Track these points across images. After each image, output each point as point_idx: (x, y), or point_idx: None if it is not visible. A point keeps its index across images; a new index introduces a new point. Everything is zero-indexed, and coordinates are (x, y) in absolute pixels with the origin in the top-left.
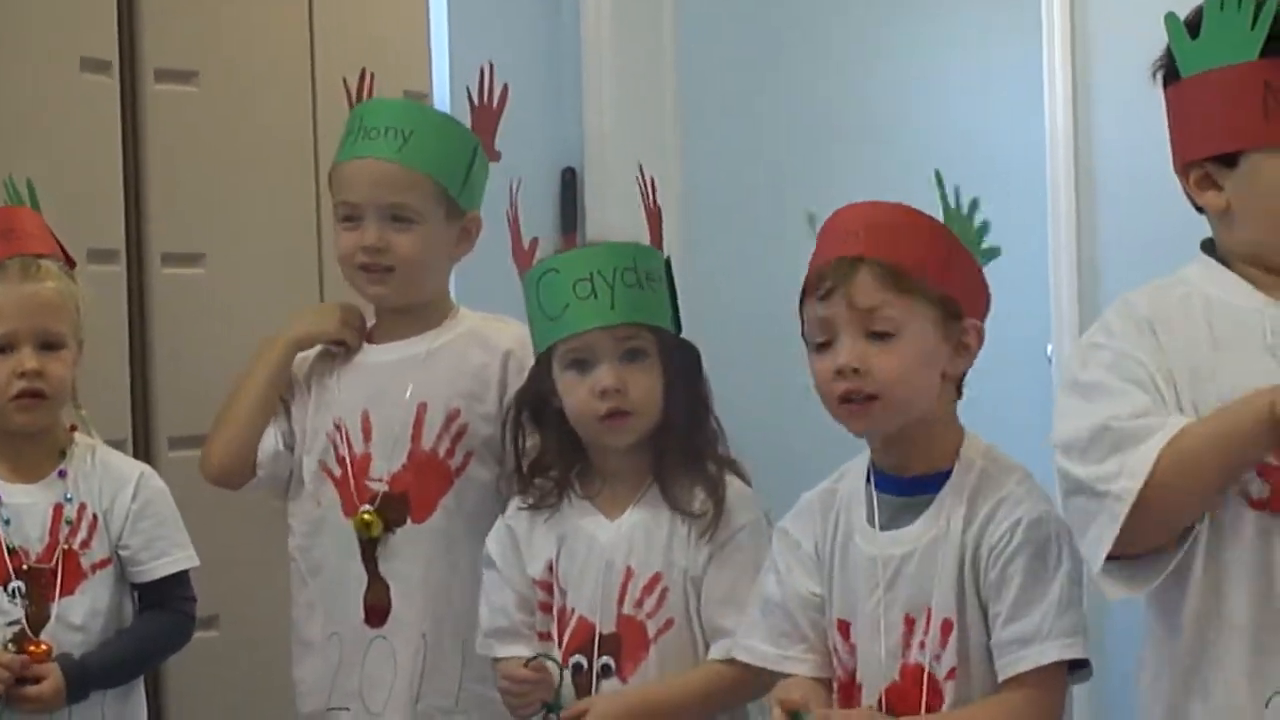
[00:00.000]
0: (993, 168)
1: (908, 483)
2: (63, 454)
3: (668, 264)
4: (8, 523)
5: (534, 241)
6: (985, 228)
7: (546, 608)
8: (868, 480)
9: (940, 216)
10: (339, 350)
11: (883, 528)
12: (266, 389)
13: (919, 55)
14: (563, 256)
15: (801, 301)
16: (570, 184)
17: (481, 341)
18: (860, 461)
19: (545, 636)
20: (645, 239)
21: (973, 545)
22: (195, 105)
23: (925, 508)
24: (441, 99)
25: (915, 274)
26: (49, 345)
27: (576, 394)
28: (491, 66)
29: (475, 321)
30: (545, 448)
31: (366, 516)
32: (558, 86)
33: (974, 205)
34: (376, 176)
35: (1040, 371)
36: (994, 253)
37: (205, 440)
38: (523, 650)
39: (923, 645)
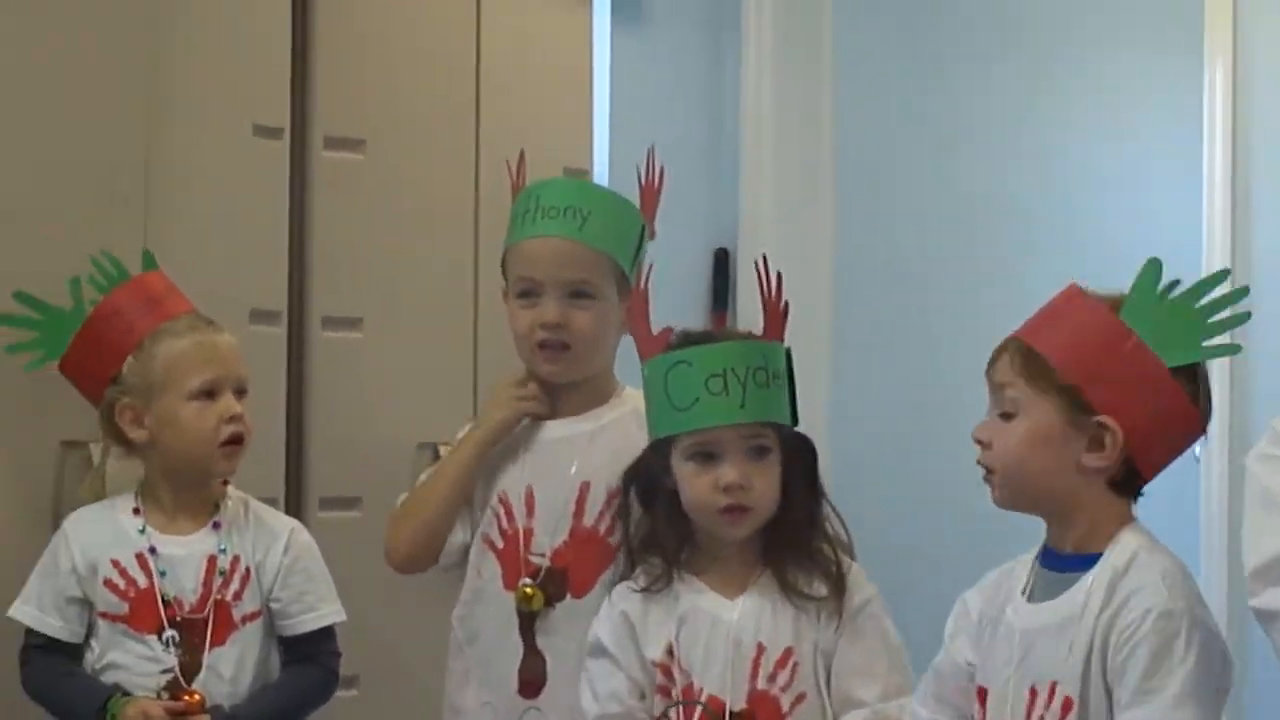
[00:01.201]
0: (1144, 249)
1: (1064, 559)
2: (216, 506)
3: (788, 356)
4: (164, 574)
5: (666, 330)
6: (1207, 310)
7: (664, 691)
8: (1039, 555)
9: (1131, 303)
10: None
11: (1034, 600)
12: (457, 487)
13: (1078, 144)
14: (696, 350)
15: None
16: (723, 265)
17: (643, 421)
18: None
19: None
20: (797, 323)
21: (1104, 628)
22: (361, 172)
23: (1072, 585)
24: (601, 176)
25: (1051, 361)
26: (241, 392)
27: (697, 486)
28: (653, 149)
29: (638, 400)
30: (655, 528)
31: (529, 590)
32: (715, 168)
33: (1197, 286)
34: (559, 254)
35: (1189, 474)
36: (1203, 353)
37: (392, 527)
38: None
39: (1041, 719)
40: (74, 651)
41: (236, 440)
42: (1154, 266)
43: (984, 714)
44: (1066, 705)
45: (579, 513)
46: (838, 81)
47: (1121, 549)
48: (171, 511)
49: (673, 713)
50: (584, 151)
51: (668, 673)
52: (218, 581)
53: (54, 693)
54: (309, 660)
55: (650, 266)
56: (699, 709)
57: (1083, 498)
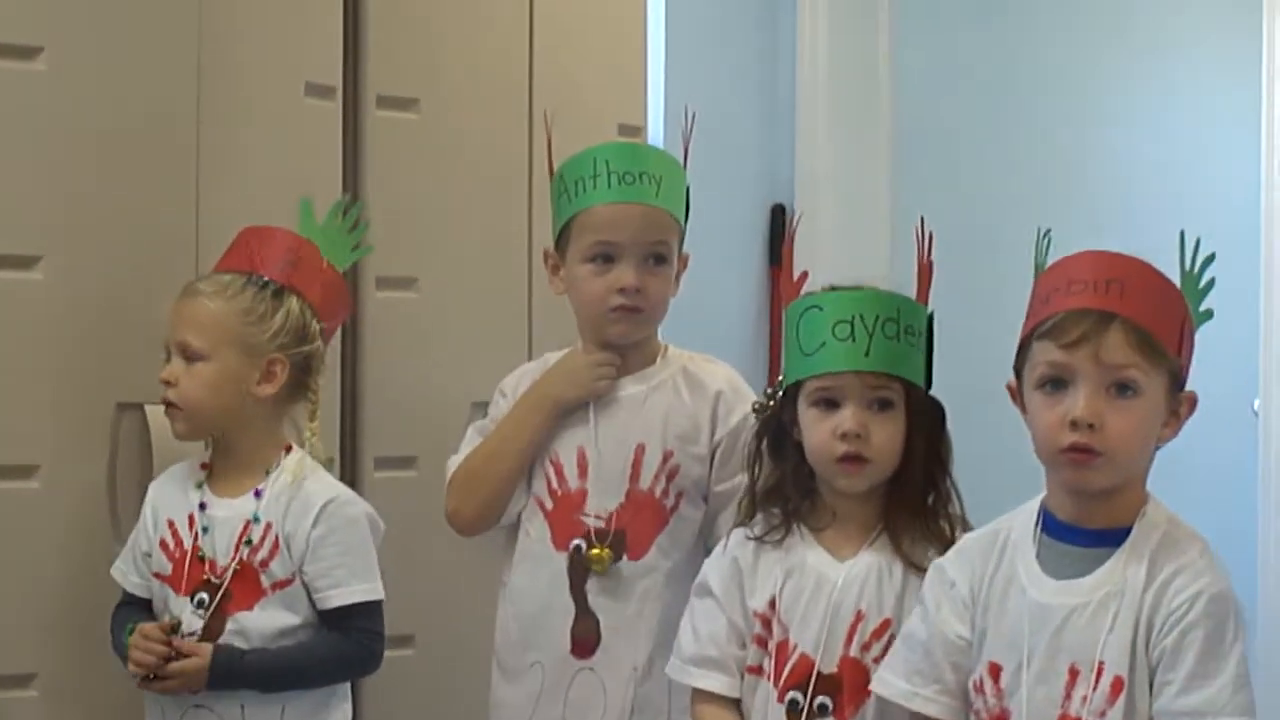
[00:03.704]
0: (1205, 219)
1: (1086, 534)
2: (268, 473)
3: (930, 320)
4: (205, 530)
5: (804, 275)
6: (1210, 286)
7: (761, 641)
8: (1037, 525)
9: (1176, 278)
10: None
11: (1052, 575)
12: (526, 455)
13: (1136, 99)
14: (829, 295)
15: (1029, 337)
16: (779, 220)
17: (694, 383)
18: (1029, 506)
19: (754, 670)
20: (858, 279)
21: (1150, 607)
22: (414, 131)
23: (1100, 561)
24: (656, 133)
25: (1162, 340)
26: (188, 357)
27: (817, 432)
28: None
29: (685, 361)
30: (780, 479)
31: (598, 551)
32: (771, 123)
33: (1207, 262)
34: (643, 220)
35: (1247, 427)
36: (1208, 315)
37: (457, 493)
38: (723, 679)
39: (1085, 699)
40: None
41: (164, 402)
42: (1183, 240)
43: (1000, 690)
44: (1117, 686)
45: (635, 476)
46: (895, 34)
47: (1150, 522)
48: (223, 474)
49: (766, 664)
50: (638, 109)
51: (767, 624)
52: (245, 549)
53: (114, 640)
54: (342, 634)
55: (798, 217)
56: (789, 668)
57: (1142, 473)
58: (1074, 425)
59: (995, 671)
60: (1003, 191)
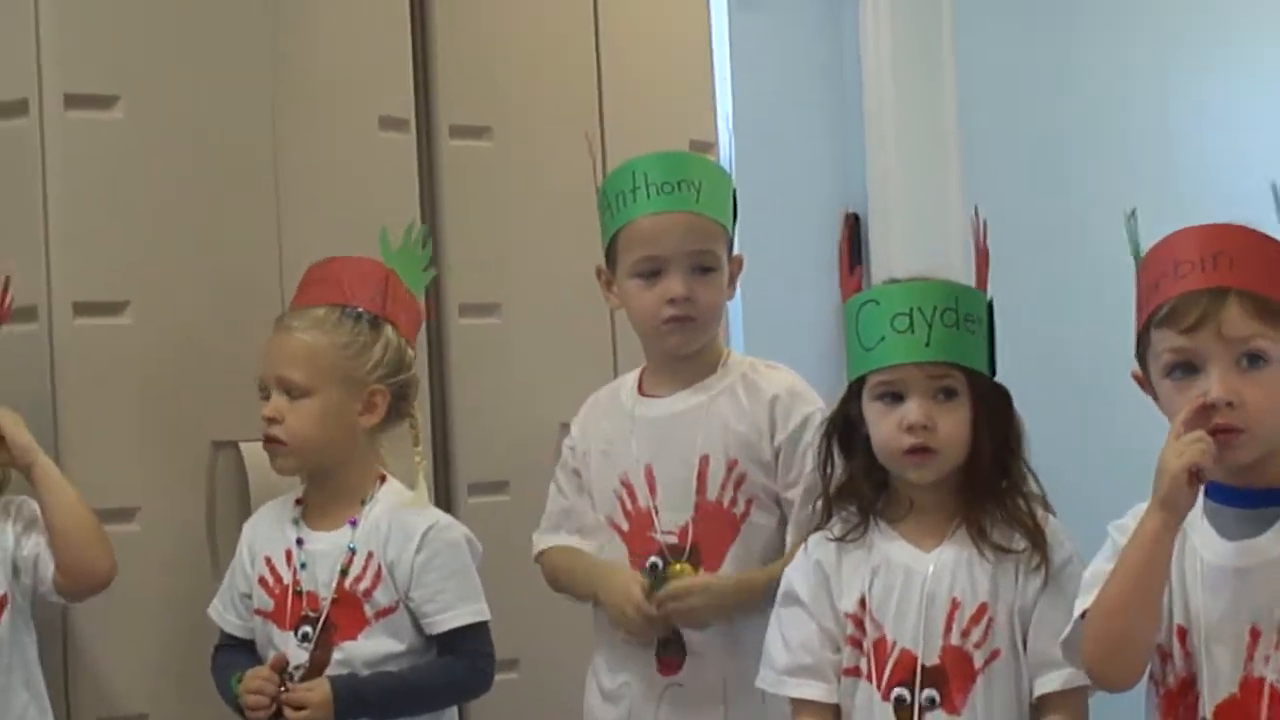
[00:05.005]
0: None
1: (1250, 496)
2: (363, 503)
3: (990, 307)
4: (304, 566)
5: (858, 269)
6: None
7: (855, 642)
8: (1205, 489)
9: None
10: None
11: (1223, 537)
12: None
13: (1212, 89)
14: (885, 289)
15: (1146, 326)
16: (854, 228)
17: (753, 389)
18: None
19: (851, 672)
20: (920, 271)
21: None
22: (489, 160)
23: (1269, 521)
24: (725, 148)
25: None
26: (290, 393)
27: (883, 426)
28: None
29: (745, 367)
30: (852, 474)
31: (680, 567)
32: (840, 131)
33: None
34: (686, 229)
35: None
36: None
37: (546, 577)
38: (821, 687)
39: (1268, 659)
40: (254, 649)
41: (268, 440)
42: (1277, 193)
43: (1187, 653)
44: None
45: (701, 488)
46: (958, 35)
47: None
48: (320, 507)
49: (863, 664)
50: (708, 124)
51: (860, 624)
52: (349, 579)
53: (219, 687)
54: (455, 656)
55: (853, 217)
56: (890, 665)
57: None
58: (1213, 407)
59: (1182, 634)
60: (1074, 188)
